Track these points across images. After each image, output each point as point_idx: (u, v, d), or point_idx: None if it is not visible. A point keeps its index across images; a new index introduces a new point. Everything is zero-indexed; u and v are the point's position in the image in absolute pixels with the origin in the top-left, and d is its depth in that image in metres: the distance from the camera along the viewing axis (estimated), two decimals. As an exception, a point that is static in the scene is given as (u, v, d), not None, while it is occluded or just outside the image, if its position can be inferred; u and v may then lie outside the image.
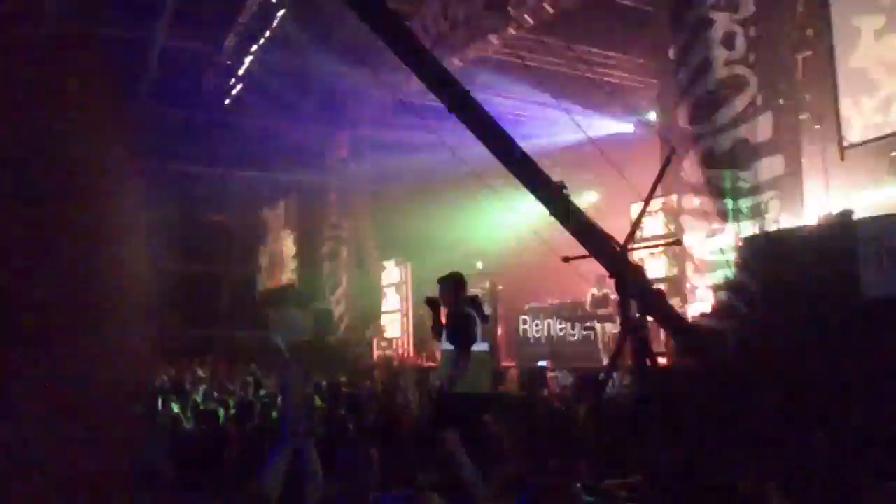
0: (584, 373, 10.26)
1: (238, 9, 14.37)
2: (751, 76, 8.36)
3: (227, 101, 17.01)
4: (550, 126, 15.45)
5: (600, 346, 11.51)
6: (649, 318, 6.30)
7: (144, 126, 14.64)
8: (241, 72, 16.06)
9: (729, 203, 8.51)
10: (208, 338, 19.85)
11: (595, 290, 11.63)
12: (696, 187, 8.73)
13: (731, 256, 7.98)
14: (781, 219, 7.93)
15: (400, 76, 14.62)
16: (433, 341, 7.55)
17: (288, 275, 20.42)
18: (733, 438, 5.64)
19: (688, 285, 9.17)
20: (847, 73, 7.79)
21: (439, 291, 6.29)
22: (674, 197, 9.70)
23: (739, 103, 8.41)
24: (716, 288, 8.42)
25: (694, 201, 8.78)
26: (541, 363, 11.78)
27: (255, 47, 15.15)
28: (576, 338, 12.38)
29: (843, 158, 7.75)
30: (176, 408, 7.98)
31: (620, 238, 6.46)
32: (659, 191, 7.59)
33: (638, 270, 6.41)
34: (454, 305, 6.17)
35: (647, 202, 7.01)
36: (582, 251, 6.48)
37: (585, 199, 13.18)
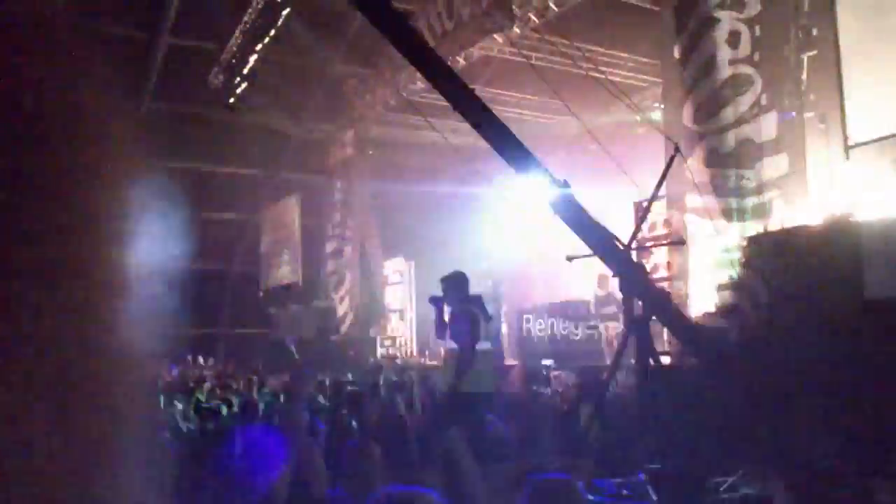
0: (588, 372, 10.26)
1: (243, 7, 14.39)
2: (756, 75, 8.34)
3: (231, 100, 17.02)
4: (554, 124, 15.48)
5: (604, 345, 11.50)
6: (653, 318, 6.31)
7: (148, 124, 14.67)
8: (245, 70, 16.08)
9: (733, 202, 8.49)
10: (212, 336, 19.89)
11: (598, 290, 11.63)
12: (700, 186, 8.71)
13: (735, 256, 7.97)
14: (786, 218, 7.91)
15: (405, 74, 14.69)
16: (437, 340, 7.57)
17: (291, 273, 20.44)
18: (737, 437, 5.63)
19: (691, 284, 9.15)
20: (852, 72, 7.76)
21: (442, 290, 6.31)
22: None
23: (744, 102, 8.39)
24: (719, 287, 8.40)
25: (698, 200, 8.76)
26: (544, 362, 11.78)
27: (259, 46, 15.16)
28: (579, 337, 12.37)
29: (847, 158, 7.73)
30: (180, 406, 7.99)
31: (624, 237, 6.47)
32: (663, 190, 7.59)
33: (641, 270, 6.42)
34: (458, 304, 6.19)
35: (651, 201, 7.02)
36: (586, 250, 6.49)
37: (588, 198, 13.17)
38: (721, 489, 4.85)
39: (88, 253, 0.56)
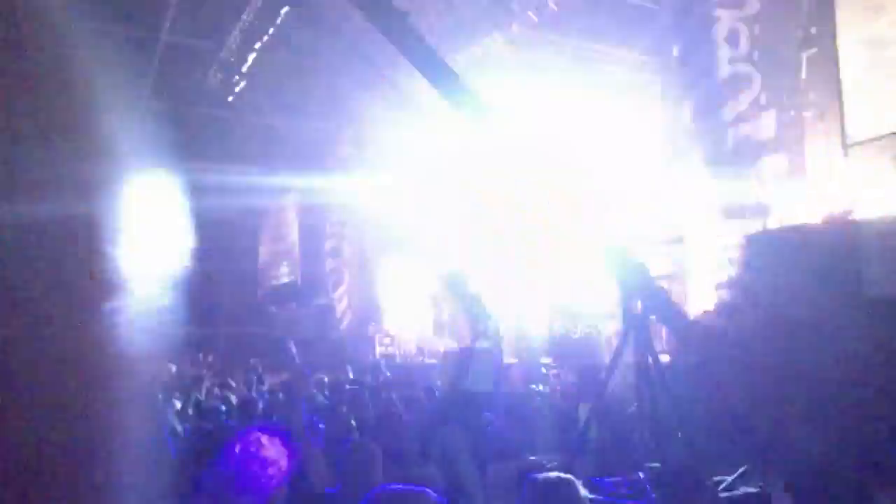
0: (587, 370, 10.26)
1: (242, 6, 14.38)
2: (755, 74, 8.35)
3: (230, 99, 17.01)
4: (553, 121, 15.46)
5: (602, 343, 11.50)
6: (652, 316, 6.31)
7: (146, 124, 14.64)
8: (244, 69, 16.06)
9: (732, 200, 8.50)
10: (211, 335, 19.87)
11: (597, 290, 11.62)
12: (699, 184, 8.72)
13: (734, 254, 7.98)
14: (785, 216, 7.92)
15: (404, 73, 14.67)
16: (435, 338, 7.56)
17: (290, 272, 20.42)
18: (734, 436, 5.63)
19: (690, 283, 9.16)
20: (851, 70, 7.76)
21: (442, 289, 6.31)
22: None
23: (743, 101, 8.40)
24: (718, 286, 8.41)
25: (698, 198, 8.77)
26: (543, 360, 11.77)
27: (258, 45, 15.14)
28: (578, 335, 12.36)
29: (846, 156, 7.73)
30: (178, 405, 7.99)
31: (623, 236, 6.47)
32: (664, 189, 7.59)
33: (641, 268, 6.42)
34: (457, 302, 6.19)
35: (650, 200, 7.02)
36: (586, 250, 6.48)
37: (588, 198, 13.16)
38: (720, 488, 4.85)
39: (87, 253, 0.56)
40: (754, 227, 8.05)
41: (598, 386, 7.13)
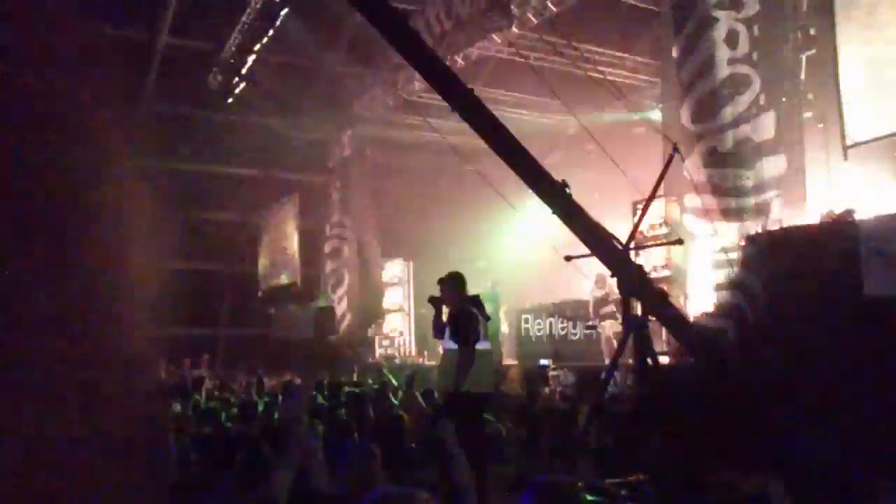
0: (586, 371, 10.26)
1: (241, 7, 14.39)
2: (754, 75, 8.35)
3: (230, 100, 17.02)
4: (552, 124, 15.48)
5: (602, 344, 11.50)
6: (651, 317, 6.31)
7: (147, 124, 14.66)
8: (244, 70, 16.07)
9: (731, 202, 8.50)
10: (210, 337, 19.87)
11: (596, 291, 11.63)
12: (698, 186, 8.72)
13: (734, 255, 7.98)
14: (784, 218, 7.92)
15: (403, 74, 14.68)
16: (435, 340, 7.56)
17: (290, 273, 20.43)
18: (735, 437, 5.63)
19: (690, 284, 9.16)
20: (850, 72, 7.77)
21: (440, 292, 6.30)
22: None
23: (742, 102, 8.40)
24: (718, 287, 8.41)
25: (696, 200, 8.77)
26: (543, 362, 11.78)
27: (258, 46, 15.15)
28: (577, 336, 12.37)
29: (846, 157, 7.74)
30: (178, 408, 7.99)
31: (623, 237, 6.47)
32: (661, 190, 7.59)
33: (640, 270, 6.42)
34: (456, 305, 6.18)
35: (649, 201, 7.02)
36: (584, 250, 6.48)
37: (587, 198, 13.17)
38: (720, 489, 4.85)
39: (87, 253, 0.56)
40: (754, 228, 8.05)
41: (597, 387, 7.13)
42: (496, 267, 16.26)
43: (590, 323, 11.89)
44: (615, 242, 6.29)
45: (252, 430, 6.50)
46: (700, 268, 8.91)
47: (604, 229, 6.31)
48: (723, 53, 8.60)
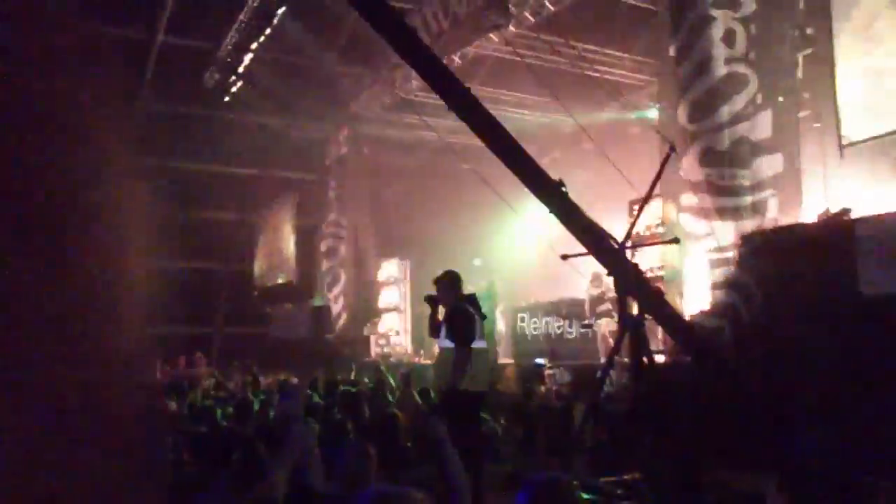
0: (582, 370, 10.27)
1: (238, 6, 14.36)
2: (751, 74, 8.35)
3: (226, 99, 17.00)
4: (549, 123, 15.48)
5: (598, 342, 11.51)
6: (647, 316, 6.31)
7: (144, 124, 14.64)
8: (240, 69, 16.05)
9: (728, 201, 8.49)
10: (207, 335, 19.86)
11: (592, 289, 11.63)
12: (695, 185, 8.72)
13: (730, 254, 7.98)
14: (780, 217, 7.92)
15: (400, 73, 14.68)
16: (431, 339, 7.56)
17: (287, 272, 20.42)
18: (731, 436, 5.64)
19: (686, 283, 9.16)
20: (847, 71, 7.78)
21: (436, 290, 6.30)
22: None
23: (739, 101, 8.40)
24: (714, 286, 8.41)
25: (693, 199, 8.77)
26: (538, 360, 11.78)
27: (255, 44, 15.13)
28: (573, 335, 12.37)
29: (842, 156, 7.75)
30: (173, 406, 7.97)
31: (619, 235, 6.47)
32: (658, 189, 7.59)
33: (636, 269, 6.42)
34: (452, 303, 6.18)
35: (645, 200, 7.02)
36: (581, 249, 6.49)
37: (584, 197, 13.17)
38: (715, 488, 4.85)
39: (83, 251, 0.56)
40: (750, 227, 8.05)
41: (593, 386, 7.13)
42: (492, 265, 16.25)
43: (585, 322, 11.89)
44: (611, 241, 6.29)
45: (248, 429, 6.50)
46: (696, 267, 8.90)
47: (600, 228, 6.31)
48: (720, 52, 8.60)
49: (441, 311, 6.29)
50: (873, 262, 5.52)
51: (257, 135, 18.17)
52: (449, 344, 6.06)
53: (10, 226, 0.49)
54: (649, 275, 9.73)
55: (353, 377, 12.02)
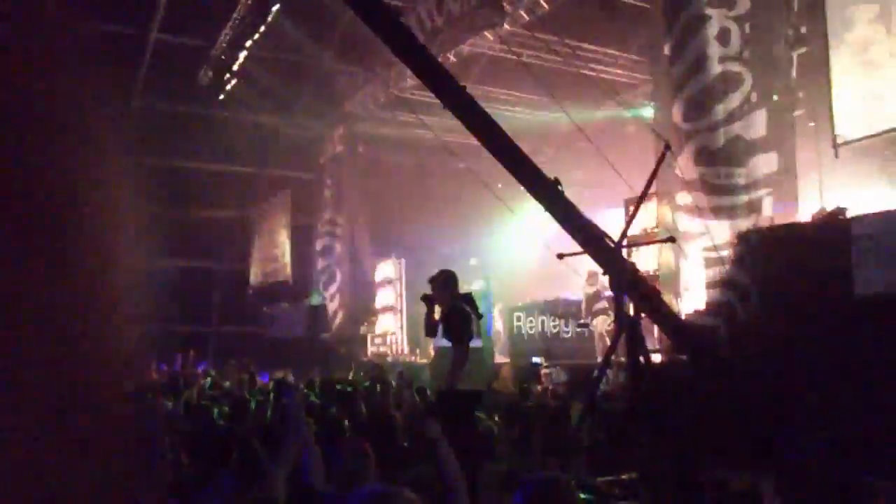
0: (578, 369, 10.28)
1: (232, 4, 14.34)
2: (745, 73, 8.36)
3: (221, 97, 16.96)
4: (544, 121, 15.48)
5: (595, 342, 11.52)
6: (643, 315, 6.32)
7: (138, 121, 14.60)
8: (235, 67, 16.02)
9: (723, 200, 8.51)
10: (202, 334, 19.81)
11: (588, 288, 11.64)
12: (689, 184, 8.73)
13: (726, 253, 7.99)
14: (775, 216, 7.93)
15: (395, 71, 14.66)
16: (427, 339, 7.57)
17: (282, 271, 20.39)
18: (726, 436, 5.64)
19: (681, 282, 9.18)
20: (841, 70, 7.80)
21: (432, 290, 6.30)
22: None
23: (734, 100, 8.41)
24: (709, 285, 8.43)
25: (688, 198, 8.78)
26: (535, 360, 11.79)
27: (249, 42, 15.10)
28: (570, 334, 12.39)
29: (837, 155, 7.77)
30: (169, 406, 7.95)
31: (615, 234, 6.48)
32: (653, 187, 7.60)
33: (632, 267, 6.42)
34: (448, 303, 6.18)
35: (641, 199, 7.03)
36: (577, 248, 6.49)
37: (579, 196, 13.18)
38: (712, 487, 4.86)
39: (76, 250, 0.55)
40: (745, 225, 8.06)
41: (590, 385, 7.14)
42: (488, 265, 16.25)
43: (582, 321, 11.90)
44: (607, 240, 6.30)
45: (244, 428, 6.48)
46: (691, 266, 8.92)
47: (596, 227, 6.31)
48: (714, 51, 8.61)
49: (437, 310, 6.28)
50: (868, 260, 5.54)
51: (252, 133, 18.13)
52: (445, 343, 6.06)
53: (8, 226, 0.48)
54: (645, 273, 9.74)
55: (351, 376, 12.01)
